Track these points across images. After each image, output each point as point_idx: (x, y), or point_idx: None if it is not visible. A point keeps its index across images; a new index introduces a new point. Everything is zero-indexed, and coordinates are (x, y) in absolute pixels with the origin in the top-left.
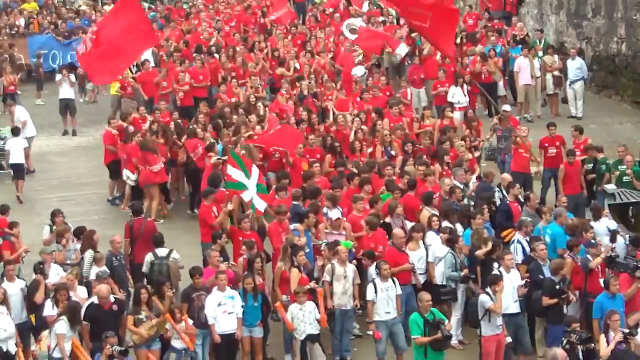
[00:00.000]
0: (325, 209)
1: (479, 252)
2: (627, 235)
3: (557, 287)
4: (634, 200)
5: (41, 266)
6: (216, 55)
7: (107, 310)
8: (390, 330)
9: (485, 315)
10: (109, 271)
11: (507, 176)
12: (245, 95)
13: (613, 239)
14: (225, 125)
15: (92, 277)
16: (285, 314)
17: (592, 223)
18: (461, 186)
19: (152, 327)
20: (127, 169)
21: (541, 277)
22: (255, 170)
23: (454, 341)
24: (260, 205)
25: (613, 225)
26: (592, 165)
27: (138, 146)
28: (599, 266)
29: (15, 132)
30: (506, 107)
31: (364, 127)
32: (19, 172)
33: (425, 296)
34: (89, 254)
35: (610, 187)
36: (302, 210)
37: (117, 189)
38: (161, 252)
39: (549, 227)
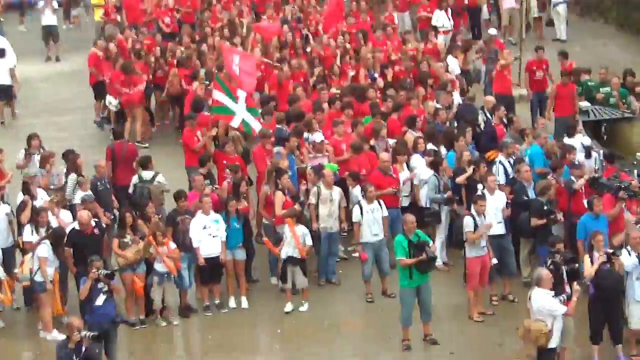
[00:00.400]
0: (306, 134)
1: (460, 179)
2: (601, 151)
3: (545, 207)
4: (607, 117)
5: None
6: None
7: (89, 235)
8: (375, 253)
9: None
10: (93, 195)
11: (490, 98)
12: (230, 16)
13: (588, 155)
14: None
15: (77, 201)
16: (270, 244)
17: (567, 139)
18: (444, 108)
19: (138, 250)
20: (110, 94)
21: (525, 198)
22: (242, 95)
23: (438, 263)
24: (256, 126)
25: (587, 141)
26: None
27: (121, 71)
28: (583, 187)
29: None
30: (492, 31)
31: (347, 45)
32: (5, 93)
33: (410, 217)
34: (72, 177)
35: (584, 104)
36: (286, 134)
37: (102, 109)
38: (146, 174)
39: (529, 148)
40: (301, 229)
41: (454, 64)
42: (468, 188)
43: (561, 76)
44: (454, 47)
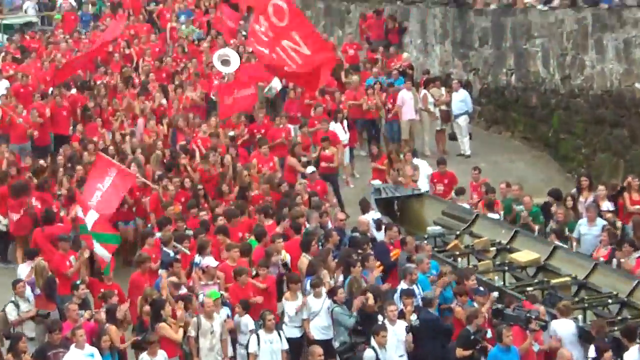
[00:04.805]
0: (197, 258)
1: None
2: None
3: (472, 337)
4: (399, 195)
5: None
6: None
7: None
8: None
9: None
10: None
11: (363, 219)
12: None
13: (378, 228)
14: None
15: None
16: None
17: (361, 216)
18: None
19: None
20: None
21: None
22: (91, 216)
23: None
24: (104, 254)
25: (377, 216)
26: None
27: (12, 191)
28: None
29: None
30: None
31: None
32: None
33: (317, 350)
34: None
35: (376, 182)
36: (171, 258)
37: None
38: None
39: None
40: (163, 354)
41: None
42: (368, 318)
43: (486, 194)
44: None
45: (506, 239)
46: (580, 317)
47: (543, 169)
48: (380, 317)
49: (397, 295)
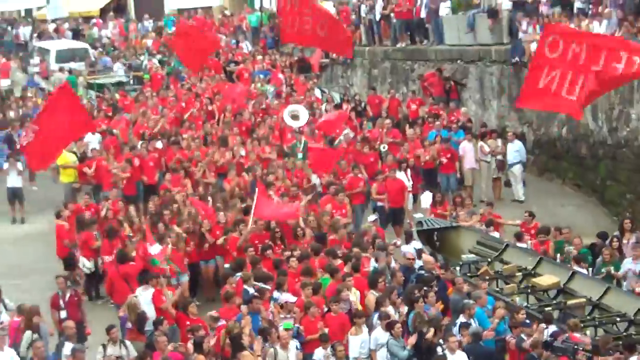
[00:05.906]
0: (276, 294)
1: (411, 339)
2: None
3: None
4: (437, 226)
5: None
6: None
7: None
8: None
9: None
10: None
11: (428, 258)
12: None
13: (419, 257)
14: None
15: (67, 352)
16: None
17: (404, 246)
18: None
19: None
20: (83, 256)
21: None
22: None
23: None
24: None
25: (419, 245)
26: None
27: (106, 234)
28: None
29: None
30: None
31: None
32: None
33: None
34: (27, 334)
35: (418, 215)
36: (250, 295)
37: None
38: None
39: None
40: None
41: None
42: (428, 349)
43: (537, 235)
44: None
45: (532, 265)
46: (588, 332)
47: (591, 213)
48: (439, 349)
49: (456, 329)
